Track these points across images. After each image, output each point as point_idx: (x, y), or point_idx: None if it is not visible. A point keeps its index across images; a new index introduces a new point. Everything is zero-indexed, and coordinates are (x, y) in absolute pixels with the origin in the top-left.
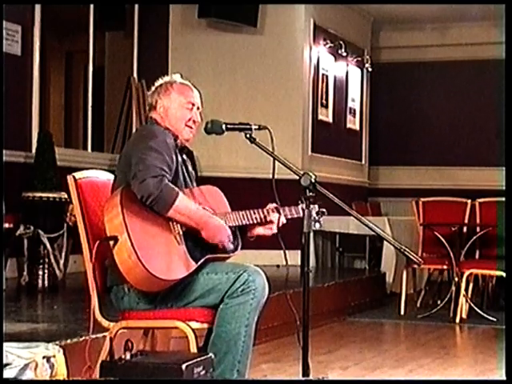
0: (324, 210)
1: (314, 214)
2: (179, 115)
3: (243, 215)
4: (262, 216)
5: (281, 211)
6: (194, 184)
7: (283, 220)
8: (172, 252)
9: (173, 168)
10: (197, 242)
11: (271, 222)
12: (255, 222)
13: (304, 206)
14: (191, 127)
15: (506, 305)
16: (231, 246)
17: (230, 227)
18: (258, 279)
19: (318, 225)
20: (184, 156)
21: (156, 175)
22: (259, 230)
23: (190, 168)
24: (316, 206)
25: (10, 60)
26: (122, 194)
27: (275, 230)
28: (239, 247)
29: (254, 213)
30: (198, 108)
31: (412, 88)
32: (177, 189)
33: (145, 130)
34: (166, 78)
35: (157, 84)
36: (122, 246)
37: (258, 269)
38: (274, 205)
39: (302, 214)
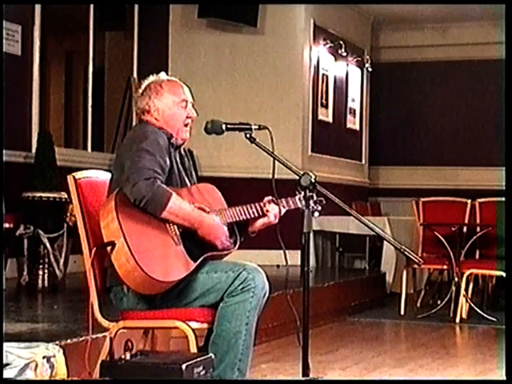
0: (322, 198)
1: (311, 203)
2: (176, 116)
3: (240, 211)
4: (259, 209)
5: (278, 202)
6: (194, 179)
7: (283, 209)
8: (170, 253)
9: (166, 168)
10: (195, 242)
11: (269, 213)
12: (252, 216)
13: (301, 196)
14: (188, 124)
15: (506, 305)
16: (227, 243)
17: (227, 223)
18: (257, 277)
19: (316, 213)
20: (181, 151)
21: (148, 177)
22: (259, 224)
23: (187, 164)
24: (314, 195)
25: (10, 60)
26: (117, 198)
27: (275, 221)
28: (237, 243)
29: (251, 207)
30: (191, 104)
31: (412, 88)
32: (170, 190)
33: (137, 131)
34: (152, 78)
35: (144, 85)
36: (120, 251)
37: (257, 267)
38: (270, 197)
39: (299, 205)
